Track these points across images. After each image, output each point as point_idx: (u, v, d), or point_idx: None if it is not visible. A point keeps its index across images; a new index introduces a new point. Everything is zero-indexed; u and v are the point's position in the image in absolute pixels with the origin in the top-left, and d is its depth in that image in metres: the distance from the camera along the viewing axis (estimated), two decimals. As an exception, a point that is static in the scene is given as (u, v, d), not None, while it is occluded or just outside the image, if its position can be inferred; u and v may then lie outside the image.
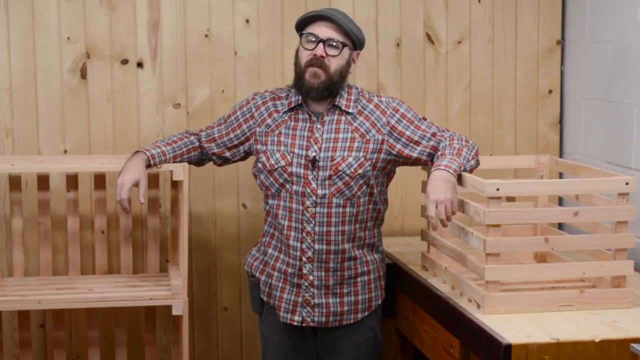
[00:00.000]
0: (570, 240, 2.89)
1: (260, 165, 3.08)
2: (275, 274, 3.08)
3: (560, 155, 3.99)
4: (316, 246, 3.01)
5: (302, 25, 3.05)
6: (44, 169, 3.33)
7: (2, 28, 3.57)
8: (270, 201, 3.08)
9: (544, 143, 3.99)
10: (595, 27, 3.72)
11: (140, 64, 3.69)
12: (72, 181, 3.51)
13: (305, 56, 3.00)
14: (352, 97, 3.06)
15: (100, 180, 3.51)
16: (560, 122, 4.00)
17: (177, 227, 3.44)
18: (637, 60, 3.41)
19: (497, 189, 2.73)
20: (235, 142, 3.17)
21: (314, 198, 3.00)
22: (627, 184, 2.80)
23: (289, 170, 3.01)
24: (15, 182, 3.47)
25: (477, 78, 3.93)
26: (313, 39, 2.98)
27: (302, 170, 3.00)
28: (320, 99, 3.02)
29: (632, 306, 2.82)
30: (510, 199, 3.21)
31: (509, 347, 2.49)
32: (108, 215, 3.62)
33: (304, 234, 3.01)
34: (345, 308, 3.07)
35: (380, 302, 3.16)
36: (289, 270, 3.04)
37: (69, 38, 3.62)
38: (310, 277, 3.03)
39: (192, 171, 3.71)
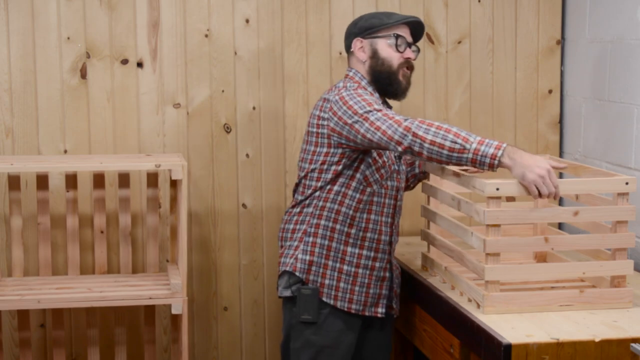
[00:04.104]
0: (570, 240, 2.88)
1: (370, 159, 3.04)
2: (360, 271, 3.08)
3: (560, 155, 3.99)
4: (395, 238, 3.16)
5: (382, 25, 3.08)
6: (43, 168, 3.33)
7: (2, 28, 3.57)
8: (358, 196, 3.03)
9: (544, 143, 3.99)
10: (595, 27, 3.72)
11: (140, 64, 3.69)
12: (72, 181, 3.52)
13: (397, 57, 3.07)
14: None
15: (99, 180, 3.52)
16: (560, 121, 4.00)
17: (176, 226, 3.44)
18: (637, 60, 3.41)
19: (497, 189, 2.73)
20: None
21: (401, 192, 3.15)
22: (627, 183, 2.80)
23: (393, 167, 3.10)
24: (14, 181, 3.47)
25: (477, 78, 3.93)
26: (403, 43, 3.07)
27: (398, 166, 3.13)
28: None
29: (632, 306, 2.81)
30: (510, 199, 3.21)
31: (508, 347, 2.49)
32: (107, 215, 3.62)
33: (392, 228, 3.12)
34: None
35: None
36: (377, 264, 3.10)
37: (68, 38, 3.62)
38: (395, 270, 3.17)
39: (191, 170, 3.71)
